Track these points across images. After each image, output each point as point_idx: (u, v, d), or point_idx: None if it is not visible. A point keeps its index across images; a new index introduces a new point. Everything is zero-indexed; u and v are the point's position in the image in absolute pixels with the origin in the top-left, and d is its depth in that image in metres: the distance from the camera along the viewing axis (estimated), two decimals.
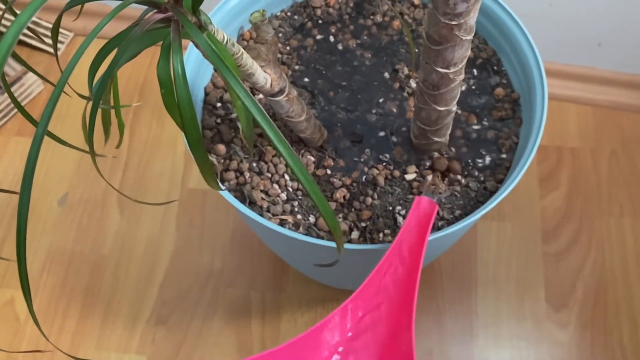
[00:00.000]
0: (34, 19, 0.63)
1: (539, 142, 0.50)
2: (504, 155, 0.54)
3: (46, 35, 0.91)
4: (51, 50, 0.91)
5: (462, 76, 0.45)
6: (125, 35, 0.35)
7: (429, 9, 0.40)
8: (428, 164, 0.53)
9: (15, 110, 0.86)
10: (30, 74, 0.85)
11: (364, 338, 0.42)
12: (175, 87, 0.32)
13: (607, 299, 0.73)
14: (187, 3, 0.33)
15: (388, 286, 0.43)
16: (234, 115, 0.57)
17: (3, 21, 0.43)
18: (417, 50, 0.58)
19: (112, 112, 0.40)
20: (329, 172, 0.54)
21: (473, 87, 0.58)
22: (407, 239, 0.44)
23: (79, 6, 0.37)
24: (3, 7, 0.36)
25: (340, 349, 0.42)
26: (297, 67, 0.60)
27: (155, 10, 0.33)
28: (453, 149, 0.54)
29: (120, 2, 0.33)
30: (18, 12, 0.32)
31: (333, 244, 0.47)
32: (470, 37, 0.41)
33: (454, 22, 0.39)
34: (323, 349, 0.42)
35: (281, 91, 0.47)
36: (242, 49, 0.40)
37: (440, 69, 0.43)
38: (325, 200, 0.35)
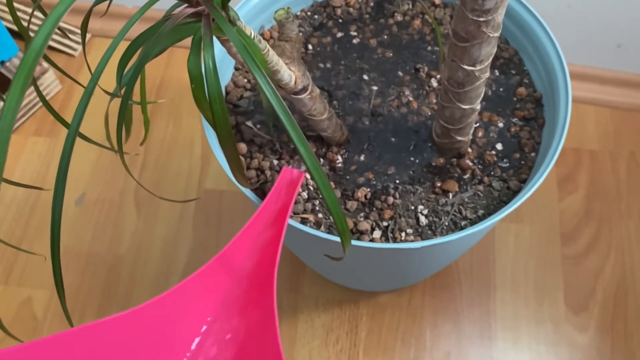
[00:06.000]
0: None
1: (563, 142, 0.49)
2: (527, 155, 0.53)
3: (64, 37, 0.91)
4: (68, 51, 0.91)
5: (488, 74, 0.45)
6: (154, 31, 0.35)
7: (457, 5, 0.40)
8: (455, 161, 0.53)
9: (33, 110, 0.86)
10: (48, 74, 0.85)
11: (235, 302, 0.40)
12: (206, 81, 0.32)
13: (627, 303, 0.72)
14: None
15: (255, 251, 0.42)
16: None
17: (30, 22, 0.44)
18: (437, 48, 0.58)
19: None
20: (350, 169, 0.54)
21: (495, 87, 0.57)
22: (274, 203, 0.44)
23: (101, 7, 0.37)
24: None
25: (208, 319, 0.40)
26: (318, 66, 0.59)
27: (186, 5, 0.33)
28: (475, 149, 0.54)
29: None
30: (46, 11, 0.32)
31: (358, 243, 0.47)
32: (497, 34, 0.41)
33: (481, 19, 0.39)
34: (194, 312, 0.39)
35: (304, 89, 0.47)
36: (268, 46, 0.40)
37: (466, 67, 0.43)
38: (336, 200, 0.35)
